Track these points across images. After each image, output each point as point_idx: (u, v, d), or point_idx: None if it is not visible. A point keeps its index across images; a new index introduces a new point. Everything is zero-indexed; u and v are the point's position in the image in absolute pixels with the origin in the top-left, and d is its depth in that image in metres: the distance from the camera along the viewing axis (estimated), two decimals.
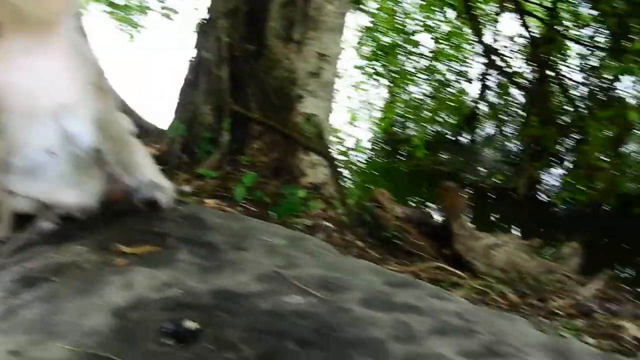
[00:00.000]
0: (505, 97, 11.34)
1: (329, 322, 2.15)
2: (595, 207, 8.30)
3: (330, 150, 5.22)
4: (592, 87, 10.07)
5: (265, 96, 5.04)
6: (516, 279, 4.68)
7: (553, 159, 10.07)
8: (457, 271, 4.27)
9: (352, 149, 11.94)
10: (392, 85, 11.74)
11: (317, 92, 5.00)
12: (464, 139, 11.86)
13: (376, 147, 12.40)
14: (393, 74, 11.57)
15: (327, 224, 4.58)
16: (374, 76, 11.60)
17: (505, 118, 11.37)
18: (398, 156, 11.61)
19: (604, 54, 9.53)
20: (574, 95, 10.12)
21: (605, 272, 5.10)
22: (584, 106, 9.75)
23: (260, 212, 4.53)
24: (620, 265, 7.29)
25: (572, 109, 9.84)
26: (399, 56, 11.51)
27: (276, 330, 2.04)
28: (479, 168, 10.81)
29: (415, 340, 2.14)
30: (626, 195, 8.25)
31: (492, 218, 9.24)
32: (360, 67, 11.51)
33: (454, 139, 11.77)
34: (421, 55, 11.57)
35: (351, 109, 12.13)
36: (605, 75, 9.66)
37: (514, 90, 11.24)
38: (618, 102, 8.35)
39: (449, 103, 11.74)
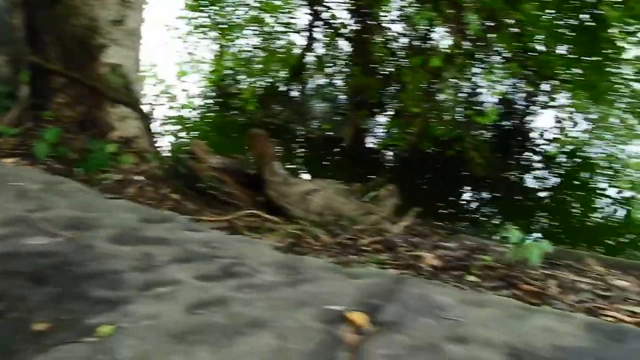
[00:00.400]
0: (332, 49, 11.59)
1: (71, 259, 2.19)
2: (413, 151, 8.83)
3: (140, 101, 5.00)
4: (410, 38, 10.57)
5: (65, 46, 4.69)
6: (332, 221, 4.84)
7: (377, 107, 10.52)
8: (271, 217, 4.33)
9: (184, 105, 11.65)
10: (220, 37, 11.50)
11: (121, 40, 4.74)
12: (295, 90, 11.97)
13: (207, 102, 12.17)
14: (221, 26, 11.32)
15: (139, 177, 4.42)
16: (201, 28, 11.26)
17: (333, 69, 11.63)
18: (230, 110, 11.48)
19: (419, 4, 9.99)
20: (395, 45, 10.58)
21: (414, 210, 5.43)
22: (403, 56, 10.23)
23: (65, 169, 4.27)
24: (432, 202, 7.87)
25: (392, 59, 10.30)
26: (226, 7, 11.27)
27: (10, 270, 2.03)
28: (309, 119, 11.01)
29: (156, 269, 2.27)
30: (439, 139, 8.83)
31: (321, 166, 9.49)
32: (186, 18, 11.13)
33: (285, 91, 11.84)
34: (248, 6, 11.42)
35: (179, 63, 11.77)
36: (422, 26, 10.17)
37: (342, 42, 11.52)
38: (430, 51, 8.84)
39: (278, 55, 11.76)
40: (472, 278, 3.80)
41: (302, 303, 2.16)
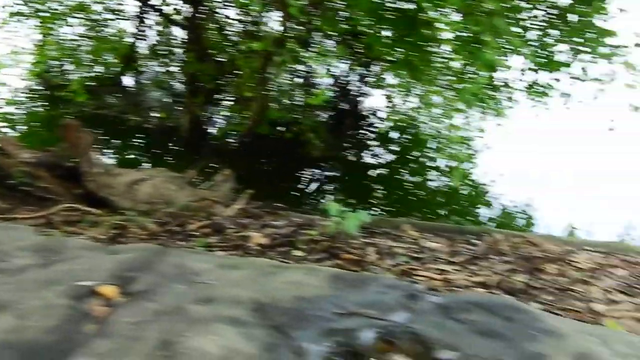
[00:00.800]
0: (166, 35, 11.28)
1: None
2: (252, 136, 8.87)
3: None
4: (244, 23, 10.55)
5: None
6: (161, 209, 4.75)
7: (215, 94, 10.42)
8: (91, 209, 4.16)
9: (7, 100, 10.79)
10: (41, 26, 10.69)
11: None
12: (129, 80, 11.51)
13: (33, 96, 11.34)
14: (41, 14, 10.52)
15: None
16: (17, 16, 10.38)
17: (167, 57, 11.33)
18: (58, 102, 10.76)
19: None
20: (230, 31, 10.52)
21: (247, 193, 5.47)
22: (237, 41, 10.20)
23: None
24: (272, 184, 8.00)
25: (228, 45, 10.24)
26: None
27: None
28: (145, 108, 10.64)
29: None
30: (278, 122, 8.96)
31: (160, 156, 9.25)
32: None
33: (118, 80, 11.33)
34: None
35: None
36: (254, 11, 10.19)
37: (175, 29, 11.24)
38: (262, 36, 8.90)
39: (108, 44, 11.21)
40: (298, 253, 3.93)
41: (52, 282, 2.16)
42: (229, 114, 9.94)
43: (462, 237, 4.41)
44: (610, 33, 7.57)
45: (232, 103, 9.96)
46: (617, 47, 7.71)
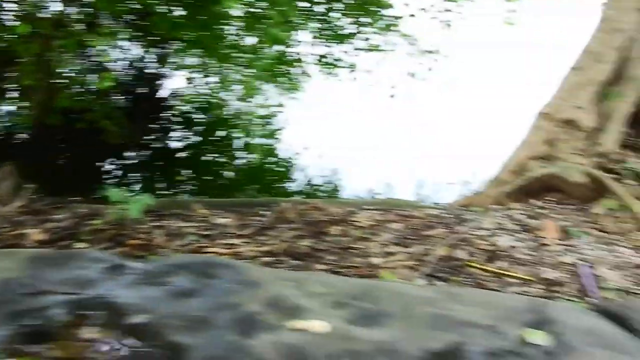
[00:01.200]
0: None
1: None
2: (40, 127, 8.23)
3: None
4: (22, 5, 9.70)
5: None
6: None
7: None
8: None
9: None
10: None
11: None
12: None
13: None
14: None
15: None
16: None
17: None
18: None
19: None
20: (5, 14, 9.60)
21: (29, 188, 5.11)
22: (14, 26, 9.35)
23: None
24: (66, 177, 7.55)
25: (3, 30, 9.34)
26: None
27: None
28: None
29: None
30: (70, 110, 8.38)
31: None
32: None
33: None
34: None
35: None
36: None
37: None
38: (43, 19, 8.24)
39: None
40: (81, 245, 3.77)
41: None
42: (12, 105, 9.10)
43: (252, 210, 4.50)
44: (387, 5, 8.13)
45: (15, 93, 9.12)
46: (394, 18, 8.31)
